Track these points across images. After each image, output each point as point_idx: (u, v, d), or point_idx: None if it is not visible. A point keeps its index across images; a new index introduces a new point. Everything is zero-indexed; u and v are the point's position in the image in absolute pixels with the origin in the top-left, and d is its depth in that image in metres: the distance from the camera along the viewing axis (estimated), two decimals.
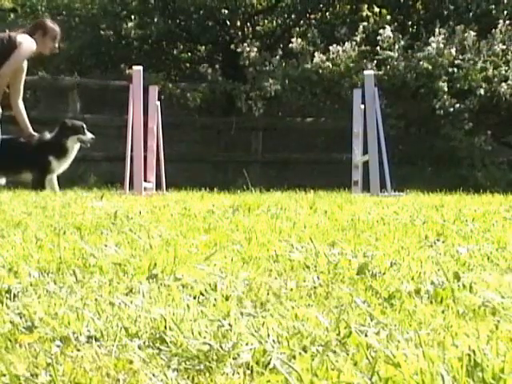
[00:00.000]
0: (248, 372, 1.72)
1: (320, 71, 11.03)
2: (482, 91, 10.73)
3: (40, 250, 3.30)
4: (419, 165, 11.38)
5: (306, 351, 1.80)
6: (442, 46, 10.92)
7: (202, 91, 11.89)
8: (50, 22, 7.82)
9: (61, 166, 8.65)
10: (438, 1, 12.37)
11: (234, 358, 1.78)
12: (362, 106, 8.82)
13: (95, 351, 1.84)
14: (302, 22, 13.18)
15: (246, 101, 11.52)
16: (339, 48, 11.02)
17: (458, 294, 2.36)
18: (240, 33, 12.94)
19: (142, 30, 12.71)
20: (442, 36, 10.98)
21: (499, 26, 11.14)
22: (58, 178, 8.96)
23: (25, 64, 7.57)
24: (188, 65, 13.65)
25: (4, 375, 1.68)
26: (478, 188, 8.76)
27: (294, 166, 12.02)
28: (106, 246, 3.45)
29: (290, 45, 11.40)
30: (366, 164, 8.71)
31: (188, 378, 1.71)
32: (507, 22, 11.24)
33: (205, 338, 1.90)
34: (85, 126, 8.67)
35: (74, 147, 8.66)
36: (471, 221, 4.54)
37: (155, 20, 12.67)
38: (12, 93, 7.71)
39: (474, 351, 1.63)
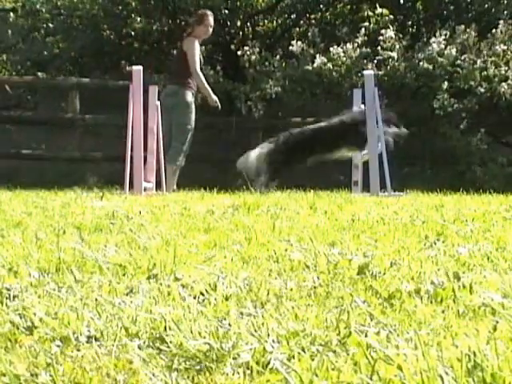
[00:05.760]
0: (248, 372, 1.72)
1: (321, 72, 11.04)
2: (482, 90, 10.73)
3: (40, 249, 3.30)
4: (419, 165, 11.38)
5: (305, 351, 1.80)
6: (442, 46, 10.92)
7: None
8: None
9: None
10: (438, 1, 12.36)
11: (234, 358, 1.78)
12: (362, 106, 8.82)
13: (95, 351, 1.84)
14: (302, 22, 13.18)
15: (245, 102, 11.52)
16: (340, 49, 11.02)
17: (458, 294, 2.36)
18: (240, 33, 12.94)
19: (142, 30, 12.70)
20: (443, 36, 10.98)
21: (500, 25, 11.14)
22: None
23: None
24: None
25: (4, 375, 1.68)
26: (478, 188, 8.75)
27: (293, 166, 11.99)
28: (105, 246, 3.45)
29: (290, 47, 11.40)
30: (366, 164, 8.70)
31: (188, 377, 1.71)
32: (508, 21, 11.23)
33: (205, 337, 1.90)
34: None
35: None
36: (471, 221, 4.54)
37: (155, 20, 12.67)
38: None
39: (474, 352, 1.63)
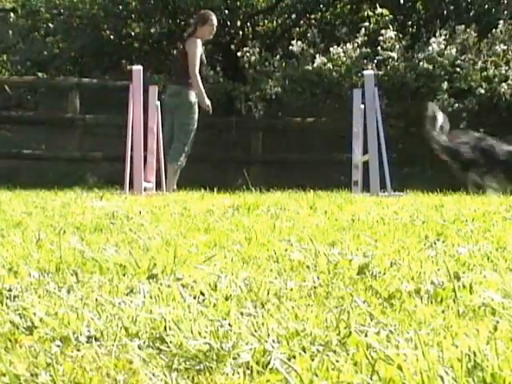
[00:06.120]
0: (248, 372, 1.72)
1: (321, 72, 11.05)
2: (481, 91, 10.74)
3: (40, 249, 3.30)
4: (419, 165, 11.37)
5: (305, 351, 1.80)
6: (442, 46, 10.92)
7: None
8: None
9: None
10: (438, 1, 12.36)
11: (234, 358, 1.78)
12: (362, 106, 8.82)
13: (95, 351, 1.84)
14: (302, 22, 13.17)
15: (245, 102, 11.52)
16: (340, 49, 11.03)
17: (458, 294, 2.36)
18: (240, 33, 12.94)
19: (142, 31, 12.71)
20: (443, 36, 10.99)
21: (500, 25, 11.14)
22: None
23: None
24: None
25: (4, 375, 1.68)
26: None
27: (293, 165, 12.00)
28: (105, 246, 3.45)
29: (290, 47, 11.40)
30: (366, 164, 8.70)
31: (188, 377, 1.71)
32: (508, 21, 11.23)
33: (205, 337, 1.90)
34: None
35: None
36: (471, 221, 4.54)
37: (155, 21, 12.67)
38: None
39: (474, 352, 1.63)
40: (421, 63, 10.89)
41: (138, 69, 8.72)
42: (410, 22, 12.62)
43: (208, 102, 9.16)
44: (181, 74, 9.18)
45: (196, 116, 9.14)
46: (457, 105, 10.68)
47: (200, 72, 9.17)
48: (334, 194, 7.56)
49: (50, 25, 12.91)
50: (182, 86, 9.13)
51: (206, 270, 2.79)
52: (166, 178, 9.04)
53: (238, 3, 12.55)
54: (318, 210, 5.30)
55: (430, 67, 10.82)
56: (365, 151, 8.79)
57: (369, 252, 3.24)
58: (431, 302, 2.33)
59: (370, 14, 12.25)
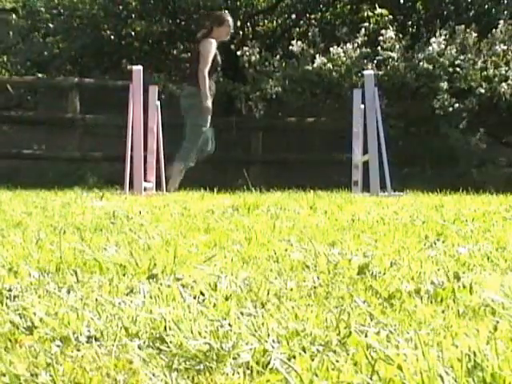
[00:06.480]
0: (248, 372, 1.72)
1: (321, 72, 11.05)
2: (481, 91, 10.73)
3: (40, 250, 3.30)
4: (419, 165, 11.38)
5: (305, 351, 1.81)
6: (443, 46, 10.92)
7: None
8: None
9: None
10: (438, 1, 12.36)
11: (234, 358, 1.78)
12: (362, 106, 8.82)
13: (95, 351, 1.83)
14: (302, 22, 13.17)
15: (246, 102, 11.52)
16: (340, 49, 11.03)
17: (458, 294, 2.36)
18: (240, 33, 12.93)
19: (142, 30, 12.70)
20: (443, 36, 10.99)
21: (500, 25, 11.14)
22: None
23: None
24: (188, 65, 13.63)
25: (4, 375, 1.68)
26: (478, 188, 8.75)
27: (293, 165, 12.00)
28: (106, 246, 3.45)
29: (290, 47, 11.40)
30: (366, 164, 8.70)
31: (188, 377, 1.71)
32: (508, 21, 11.23)
33: (205, 337, 1.90)
34: None
35: None
36: (471, 221, 4.54)
37: (156, 20, 12.67)
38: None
39: (474, 352, 1.63)
40: (421, 63, 10.89)
41: (138, 69, 8.72)
42: (410, 22, 12.62)
43: (208, 105, 9.05)
44: (195, 75, 9.10)
45: (209, 117, 9.08)
46: (457, 105, 10.68)
47: (210, 73, 9.11)
48: (334, 194, 7.56)
49: (50, 25, 12.90)
50: (196, 88, 9.05)
51: (205, 270, 2.79)
52: (169, 175, 9.04)
53: (238, 3, 12.55)
54: (318, 210, 5.30)
55: (430, 67, 10.82)
56: (365, 151, 8.79)
57: (369, 252, 3.24)
58: (431, 302, 2.33)
59: (370, 14, 12.25)
